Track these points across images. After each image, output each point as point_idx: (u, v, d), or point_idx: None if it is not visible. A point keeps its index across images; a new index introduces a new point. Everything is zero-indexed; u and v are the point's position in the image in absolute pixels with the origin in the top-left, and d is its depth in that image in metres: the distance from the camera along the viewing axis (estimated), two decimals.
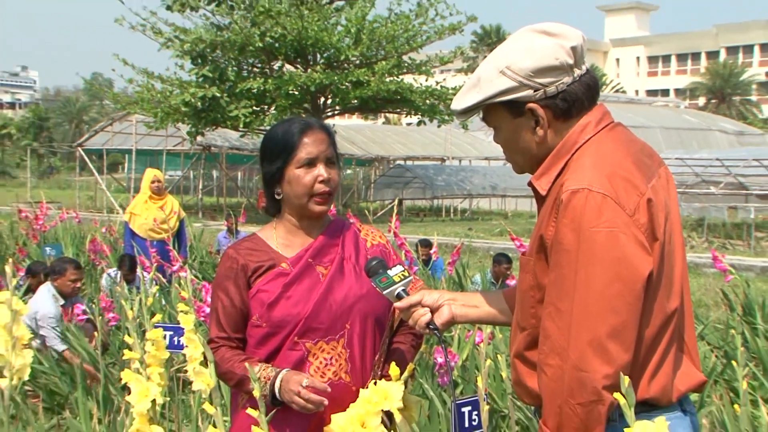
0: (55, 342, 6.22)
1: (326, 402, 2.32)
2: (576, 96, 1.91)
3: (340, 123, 29.27)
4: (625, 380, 1.57)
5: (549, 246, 1.84)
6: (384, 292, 2.25)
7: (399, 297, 2.23)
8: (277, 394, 2.32)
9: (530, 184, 1.99)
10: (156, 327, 3.33)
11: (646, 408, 1.79)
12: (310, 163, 2.43)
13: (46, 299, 6.44)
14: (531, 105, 1.90)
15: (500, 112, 1.96)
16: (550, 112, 1.91)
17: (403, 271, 2.28)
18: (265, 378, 2.32)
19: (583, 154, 1.88)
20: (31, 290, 7.78)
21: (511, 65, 1.90)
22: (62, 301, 6.49)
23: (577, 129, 1.92)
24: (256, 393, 2.25)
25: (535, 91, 1.89)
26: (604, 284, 1.74)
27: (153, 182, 8.78)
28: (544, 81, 1.88)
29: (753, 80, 64.61)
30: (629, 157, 1.87)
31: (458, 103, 2.01)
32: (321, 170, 2.43)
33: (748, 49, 72.97)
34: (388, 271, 2.26)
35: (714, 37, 75.02)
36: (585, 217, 1.76)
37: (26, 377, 3.81)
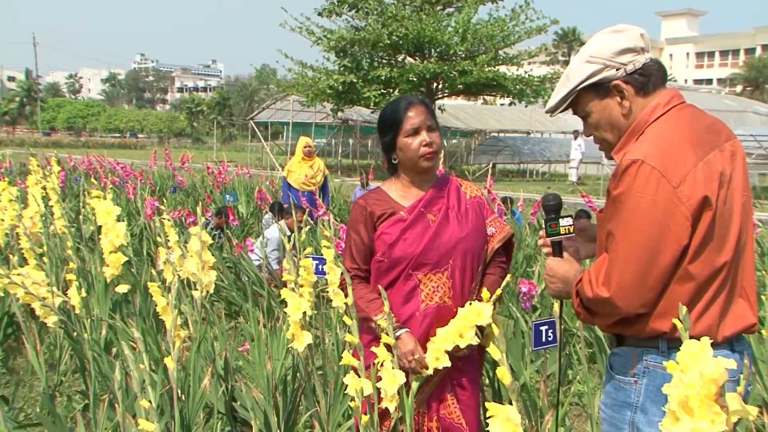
0: (272, 260, 6.68)
1: (425, 372, 2.37)
2: (651, 71, 1.84)
3: (448, 103, 28.88)
4: (683, 309, 1.51)
5: (611, 199, 1.78)
6: (549, 239, 2.02)
7: (554, 244, 2.01)
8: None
9: (610, 157, 1.90)
10: (306, 257, 3.39)
11: None
12: (415, 132, 2.41)
13: (275, 230, 6.87)
14: (615, 82, 1.83)
15: (589, 97, 1.88)
16: (632, 87, 1.83)
17: (570, 225, 2.02)
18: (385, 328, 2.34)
19: (649, 131, 1.79)
20: (217, 227, 8.07)
21: (594, 53, 1.84)
22: (289, 233, 6.83)
23: (648, 110, 1.82)
24: (384, 336, 2.28)
25: (617, 70, 1.82)
26: (635, 241, 1.70)
27: (305, 147, 8.86)
28: (624, 60, 1.82)
29: None
30: (687, 136, 1.76)
31: (552, 100, 1.94)
32: (424, 135, 2.41)
33: None
34: (560, 220, 2.02)
35: (752, 37, 71.67)
36: (635, 184, 1.70)
37: (212, 291, 3.95)
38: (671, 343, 1.75)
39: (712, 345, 1.67)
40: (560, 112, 1.99)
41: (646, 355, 1.81)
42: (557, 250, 2.02)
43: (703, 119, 1.85)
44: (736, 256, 1.78)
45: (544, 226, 2.03)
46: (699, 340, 1.70)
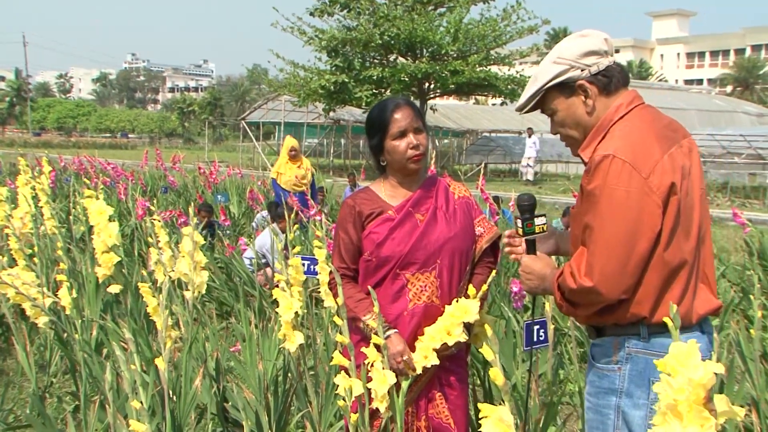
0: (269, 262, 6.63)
1: (412, 374, 2.38)
2: (613, 72, 1.95)
3: (440, 103, 28.90)
4: (673, 307, 1.54)
5: (585, 194, 1.87)
6: (524, 238, 2.12)
7: (529, 242, 2.11)
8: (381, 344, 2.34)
9: (577, 154, 2.01)
10: (296, 257, 3.39)
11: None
12: (402, 134, 2.42)
13: (266, 234, 6.79)
14: (580, 81, 1.93)
15: (555, 96, 1.98)
16: (595, 87, 1.94)
17: (545, 224, 2.12)
18: (374, 328, 2.35)
19: (615, 129, 1.90)
20: (204, 226, 8.04)
21: (561, 54, 1.95)
22: (282, 236, 6.83)
23: (612, 109, 1.93)
24: (374, 337, 2.28)
25: (582, 70, 1.93)
26: (613, 231, 1.79)
27: (290, 151, 8.86)
28: (588, 61, 1.93)
29: None
30: (651, 132, 1.88)
31: (522, 99, 2.05)
32: (411, 138, 2.42)
33: None
34: (535, 219, 2.11)
35: (741, 38, 72.07)
36: (608, 177, 1.79)
37: (204, 291, 3.95)
38: (651, 329, 1.86)
39: (685, 328, 1.80)
40: (529, 110, 2.08)
41: (627, 342, 1.90)
42: (532, 248, 2.13)
43: (662, 118, 1.98)
44: (699, 244, 1.90)
45: (520, 225, 2.13)
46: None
